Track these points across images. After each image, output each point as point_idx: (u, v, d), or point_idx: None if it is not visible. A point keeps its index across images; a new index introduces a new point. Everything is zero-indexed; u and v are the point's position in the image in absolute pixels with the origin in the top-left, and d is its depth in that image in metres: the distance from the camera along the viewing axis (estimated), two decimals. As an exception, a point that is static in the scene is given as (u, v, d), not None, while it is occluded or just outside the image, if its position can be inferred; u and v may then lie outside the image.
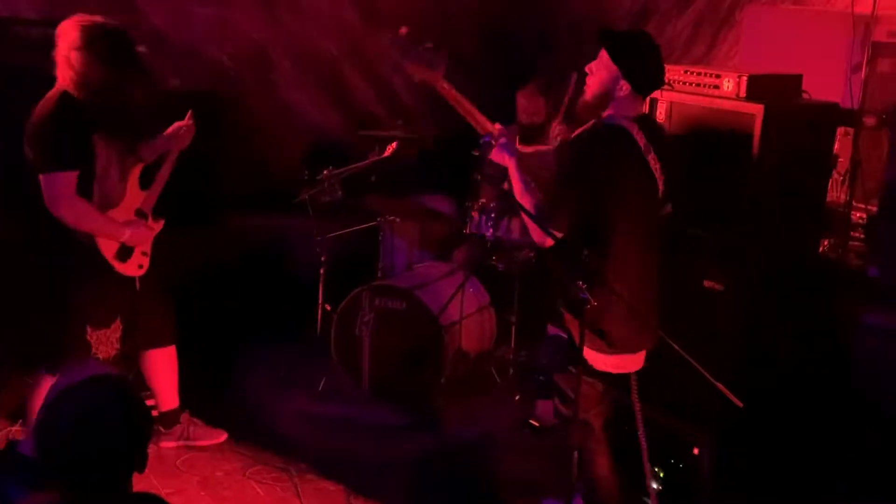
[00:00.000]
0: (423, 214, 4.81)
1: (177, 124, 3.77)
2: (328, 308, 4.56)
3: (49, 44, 4.02)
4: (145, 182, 3.71)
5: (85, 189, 3.44)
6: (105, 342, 3.57)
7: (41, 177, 3.36)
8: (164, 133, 3.75)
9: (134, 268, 3.64)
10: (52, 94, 3.43)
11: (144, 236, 3.63)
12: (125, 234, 3.53)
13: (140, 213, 3.66)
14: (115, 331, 3.62)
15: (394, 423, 4.24)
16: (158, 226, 3.74)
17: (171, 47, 5.21)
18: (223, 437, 4.04)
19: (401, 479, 3.85)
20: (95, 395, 2.09)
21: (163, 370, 3.88)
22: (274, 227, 5.13)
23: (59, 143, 3.36)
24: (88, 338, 3.53)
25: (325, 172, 4.42)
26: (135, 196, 3.66)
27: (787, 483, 3.57)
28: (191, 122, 3.80)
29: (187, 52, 5.25)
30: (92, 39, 3.32)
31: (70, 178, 3.37)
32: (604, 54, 2.92)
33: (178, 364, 3.91)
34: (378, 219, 4.68)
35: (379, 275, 4.60)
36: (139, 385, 3.77)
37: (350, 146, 5.28)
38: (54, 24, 4.09)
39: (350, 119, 5.60)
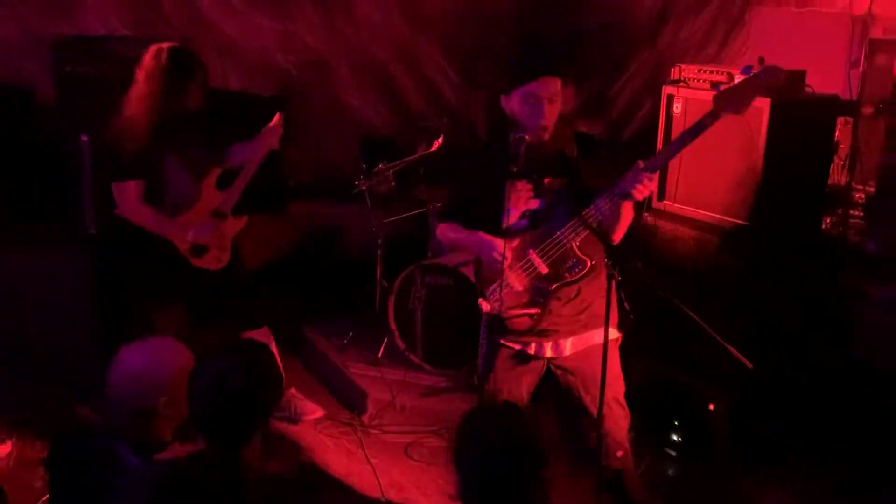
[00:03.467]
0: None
1: (267, 127, 3.66)
2: (385, 284, 4.57)
3: (138, 58, 4.14)
4: (224, 183, 3.66)
5: (155, 194, 3.45)
6: (167, 321, 3.55)
7: (112, 185, 3.43)
8: (255, 137, 3.66)
9: (212, 261, 3.61)
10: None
11: (210, 235, 3.56)
12: (188, 236, 3.51)
13: (217, 214, 3.61)
14: (179, 312, 3.61)
15: (443, 385, 4.29)
16: (237, 223, 3.69)
17: (241, 56, 5.26)
18: (321, 412, 4.01)
19: (450, 433, 3.91)
20: (227, 364, 2.18)
21: None
22: (336, 214, 5.12)
23: (123, 155, 3.37)
24: (152, 317, 3.55)
25: (380, 166, 4.43)
26: (211, 198, 3.62)
27: (795, 443, 3.58)
28: (279, 124, 3.68)
29: (258, 60, 5.27)
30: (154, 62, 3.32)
31: (133, 186, 3.39)
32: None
33: (274, 343, 3.81)
34: (427, 206, 4.65)
35: (429, 255, 4.55)
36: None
37: (401, 142, 5.23)
38: (145, 41, 4.22)
39: (400, 117, 5.58)
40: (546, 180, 2.75)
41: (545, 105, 2.66)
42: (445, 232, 3.01)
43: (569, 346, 2.86)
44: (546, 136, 2.71)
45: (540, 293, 2.79)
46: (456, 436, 2.05)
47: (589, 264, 2.74)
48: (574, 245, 2.73)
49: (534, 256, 2.78)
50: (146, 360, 2.38)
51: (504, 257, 2.74)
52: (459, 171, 3.06)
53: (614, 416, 2.83)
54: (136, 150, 3.36)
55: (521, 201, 2.79)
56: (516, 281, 2.82)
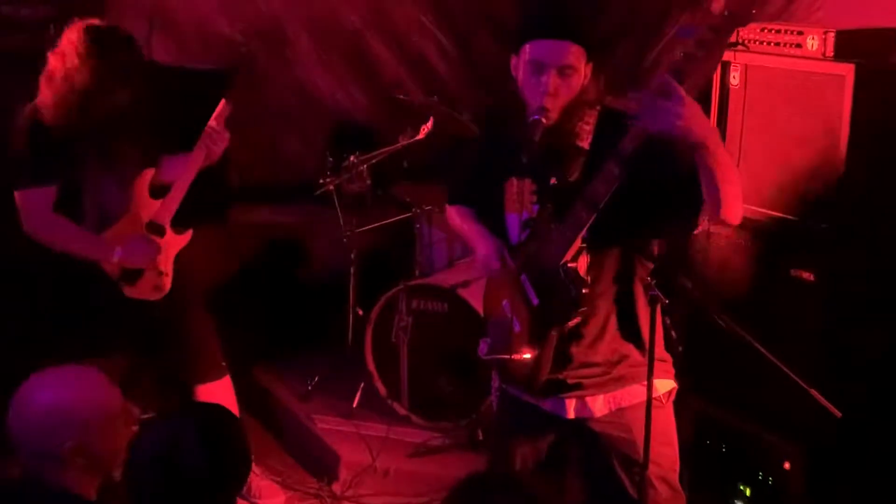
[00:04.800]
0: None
1: (208, 127, 3.64)
2: (360, 313, 4.62)
3: (39, 23, 4.11)
4: (159, 190, 3.67)
5: (71, 204, 3.45)
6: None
7: (14, 193, 3.42)
8: (197, 145, 3.64)
9: (148, 290, 3.61)
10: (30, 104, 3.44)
11: (145, 254, 3.56)
12: (115, 254, 3.49)
13: (153, 227, 3.61)
14: (115, 362, 3.57)
15: (437, 443, 4.27)
16: (179, 240, 3.70)
17: (177, 25, 5.27)
18: (282, 498, 4.01)
19: None
20: (178, 434, 2.18)
21: None
22: (296, 223, 5.20)
23: (30, 157, 3.38)
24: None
25: (351, 158, 4.49)
26: (144, 207, 3.62)
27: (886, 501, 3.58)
28: (221, 125, 3.66)
29: (195, 30, 5.30)
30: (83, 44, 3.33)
31: (43, 193, 3.40)
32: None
33: (235, 400, 3.86)
34: (413, 209, 4.70)
35: (416, 273, 4.64)
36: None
37: (378, 129, 5.32)
38: (45, 3, 4.18)
39: (377, 98, 5.62)
40: (553, 181, 2.65)
41: (552, 76, 2.58)
42: (453, 217, 3.07)
43: (600, 404, 2.76)
44: (553, 119, 2.61)
45: (536, 333, 2.70)
46: None
47: (586, 296, 2.59)
48: (568, 265, 2.60)
49: (526, 283, 2.70)
50: (53, 391, 2.43)
51: (489, 265, 2.75)
52: (463, 155, 3.08)
53: (658, 498, 2.73)
54: (48, 150, 3.36)
55: (523, 206, 2.72)
56: (515, 314, 2.76)
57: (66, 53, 3.33)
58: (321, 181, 4.50)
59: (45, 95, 3.36)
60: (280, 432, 4.49)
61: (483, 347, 2.89)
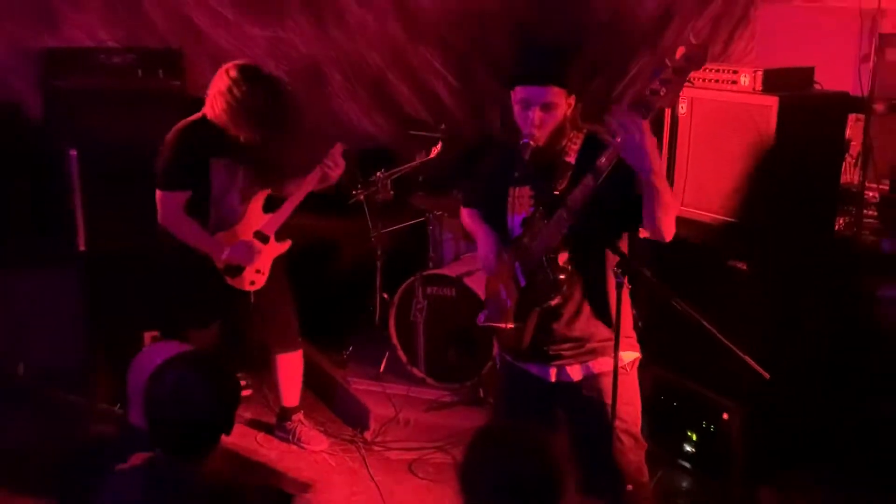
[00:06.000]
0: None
1: (328, 158, 3.62)
2: (385, 297, 4.58)
3: (127, 69, 4.15)
4: (271, 205, 3.70)
5: (199, 208, 3.51)
6: (200, 338, 3.61)
7: (157, 192, 3.49)
8: (315, 171, 3.63)
9: (245, 283, 3.63)
10: (189, 118, 3.49)
11: (245, 257, 3.58)
12: (223, 254, 3.54)
13: (259, 235, 3.64)
14: (210, 331, 3.70)
15: (448, 399, 4.27)
16: (278, 247, 3.71)
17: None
18: (325, 444, 3.99)
19: (455, 450, 3.85)
20: (186, 371, 2.20)
21: (284, 372, 3.91)
22: (332, 227, 5.05)
23: (172, 166, 3.44)
24: (187, 333, 3.60)
25: (377, 174, 4.44)
26: (256, 219, 3.65)
27: (810, 451, 3.56)
28: (340, 159, 3.63)
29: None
30: (247, 84, 3.34)
31: (178, 197, 3.46)
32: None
33: (303, 367, 3.92)
34: (427, 215, 4.68)
35: (430, 265, 4.60)
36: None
37: (398, 149, 5.24)
38: (132, 51, 4.23)
39: (397, 125, 5.53)
40: (544, 189, 2.66)
41: (536, 112, 2.59)
42: (464, 217, 3.03)
43: (576, 371, 2.75)
44: (541, 143, 2.61)
45: (522, 309, 2.70)
46: (464, 457, 2.00)
47: (563, 281, 2.59)
48: (549, 256, 2.59)
49: (518, 269, 2.72)
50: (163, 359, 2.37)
51: (484, 265, 2.75)
52: (476, 168, 3.02)
53: (623, 448, 2.72)
54: (187, 164, 3.42)
55: (522, 209, 2.73)
56: (508, 295, 2.75)
57: (228, 84, 3.34)
58: (353, 192, 4.47)
59: (216, 113, 3.37)
60: (324, 393, 4.47)
61: (481, 317, 2.89)
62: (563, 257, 2.61)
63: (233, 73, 3.36)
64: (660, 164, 2.42)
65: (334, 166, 3.64)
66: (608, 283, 2.66)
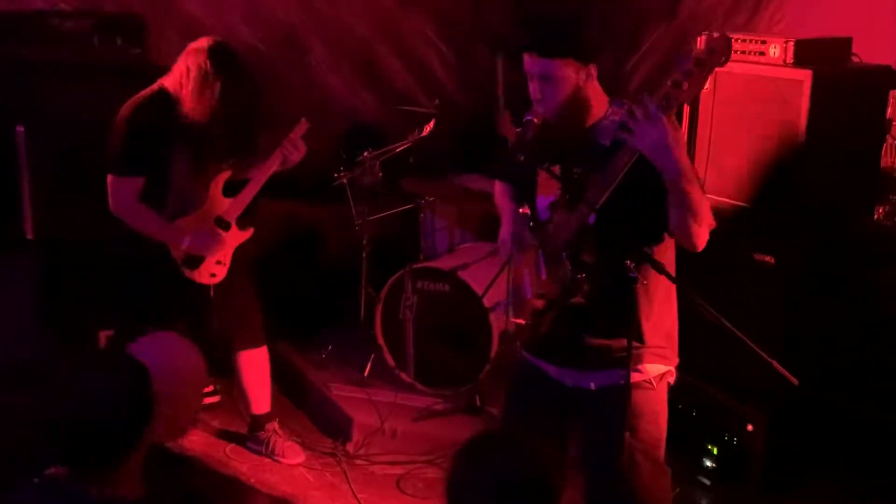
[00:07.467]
0: (462, 194, 4.78)
1: (289, 138, 3.60)
2: (371, 292, 4.57)
3: (82, 35, 4.08)
4: (231, 190, 3.66)
5: (156, 194, 3.47)
6: None
7: (108, 177, 3.44)
8: (276, 154, 3.61)
9: (205, 276, 3.62)
10: (144, 92, 3.43)
11: (208, 245, 3.57)
12: (184, 242, 3.51)
13: (220, 222, 3.61)
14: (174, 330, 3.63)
15: (440, 407, 4.22)
16: (239, 236, 3.68)
17: (205, 33, 5.19)
18: (302, 457, 3.93)
19: (448, 463, 3.86)
20: (83, 370, 2.12)
21: (250, 372, 3.87)
22: (313, 213, 5.12)
23: (127, 148, 3.40)
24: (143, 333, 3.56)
25: (364, 154, 4.43)
26: (216, 204, 3.63)
27: (840, 460, 3.56)
28: (300, 139, 3.62)
29: (221, 38, 5.21)
30: (222, 64, 3.34)
31: (133, 183, 3.43)
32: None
33: (269, 367, 3.90)
34: (418, 200, 4.66)
35: (421, 257, 4.59)
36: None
37: (387, 128, 5.24)
38: (87, 15, 4.15)
39: (385, 100, 5.55)
40: (574, 169, 2.56)
41: (536, 84, 2.54)
42: (496, 194, 2.99)
43: (595, 380, 2.67)
44: (550, 118, 2.56)
45: (541, 305, 2.65)
46: (451, 468, 1.97)
47: (584, 280, 2.51)
48: (571, 252, 2.53)
49: (541, 257, 2.67)
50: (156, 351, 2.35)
51: (501, 250, 2.72)
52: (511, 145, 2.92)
53: (639, 472, 2.62)
54: (140, 147, 3.40)
55: (551, 190, 2.63)
56: (530, 283, 2.71)
57: (195, 59, 3.35)
58: (336, 175, 4.44)
59: (181, 91, 3.35)
60: (301, 399, 4.44)
61: (494, 301, 2.89)
62: (587, 255, 2.53)
63: (204, 50, 3.38)
64: (689, 165, 2.36)
65: (293, 150, 3.61)
66: (642, 290, 2.54)
